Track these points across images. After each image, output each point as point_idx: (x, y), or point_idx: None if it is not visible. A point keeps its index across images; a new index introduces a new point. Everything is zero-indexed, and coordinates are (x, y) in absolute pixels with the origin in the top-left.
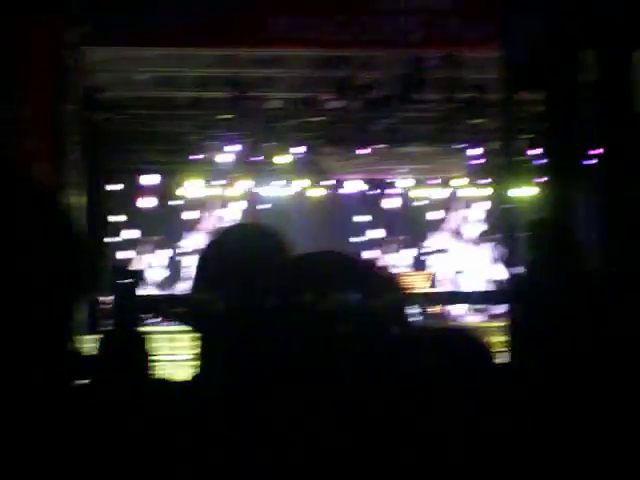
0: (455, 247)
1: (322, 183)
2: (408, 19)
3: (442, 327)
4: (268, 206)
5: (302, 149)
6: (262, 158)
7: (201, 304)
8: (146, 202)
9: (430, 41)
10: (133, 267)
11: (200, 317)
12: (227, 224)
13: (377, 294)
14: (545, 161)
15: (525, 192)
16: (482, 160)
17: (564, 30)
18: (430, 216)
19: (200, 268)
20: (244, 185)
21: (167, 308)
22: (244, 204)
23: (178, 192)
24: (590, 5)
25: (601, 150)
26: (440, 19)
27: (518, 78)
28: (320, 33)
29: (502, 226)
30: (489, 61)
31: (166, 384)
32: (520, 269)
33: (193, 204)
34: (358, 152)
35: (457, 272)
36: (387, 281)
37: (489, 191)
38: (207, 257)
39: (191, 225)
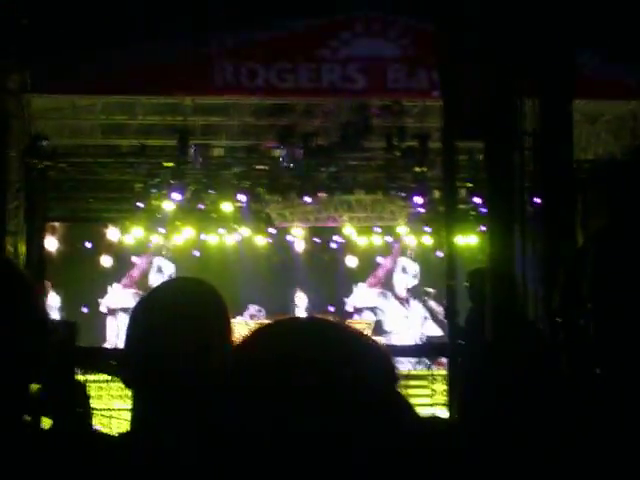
0: (385, 303)
1: (267, 231)
2: (351, 67)
3: None
4: (210, 255)
5: (245, 197)
6: (205, 206)
7: (132, 360)
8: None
9: (373, 89)
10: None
11: (130, 373)
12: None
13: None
14: (485, 210)
15: (468, 240)
16: (424, 208)
17: (504, 80)
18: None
19: (132, 323)
20: (187, 233)
21: (103, 361)
22: (187, 253)
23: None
24: (530, 55)
25: (539, 199)
26: (383, 68)
27: (458, 127)
28: (264, 81)
29: (444, 275)
30: (431, 110)
31: (102, 436)
32: (459, 320)
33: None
34: (301, 200)
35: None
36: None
37: (431, 240)
38: (139, 312)
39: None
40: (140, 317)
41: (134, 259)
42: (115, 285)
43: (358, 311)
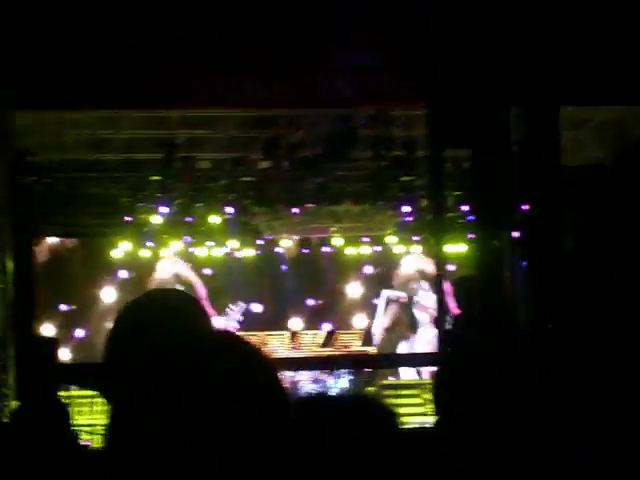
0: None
1: (255, 243)
2: (336, 77)
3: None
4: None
5: (232, 209)
6: (193, 219)
7: (111, 374)
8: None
9: (359, 99)
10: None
11: (110, 387)
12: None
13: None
14: (473, 218)
15: (457, 249)
16: (413, 217)
17: (490, 87)
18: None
19: (112, 336)
20: (176, 246)
21: (84, 376)
22: (175, 265)
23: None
24: (517, 62)
25: (527, 206)
26: (368, 77)
27: (445, 135)
28: (249, 93)
29: (433, 284)
30: (417, 118)
31: (80, 452)
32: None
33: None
34: (289, 211)
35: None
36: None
37: (420, 248)
38: (119, 324)
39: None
40: (120, 327)
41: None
42: None
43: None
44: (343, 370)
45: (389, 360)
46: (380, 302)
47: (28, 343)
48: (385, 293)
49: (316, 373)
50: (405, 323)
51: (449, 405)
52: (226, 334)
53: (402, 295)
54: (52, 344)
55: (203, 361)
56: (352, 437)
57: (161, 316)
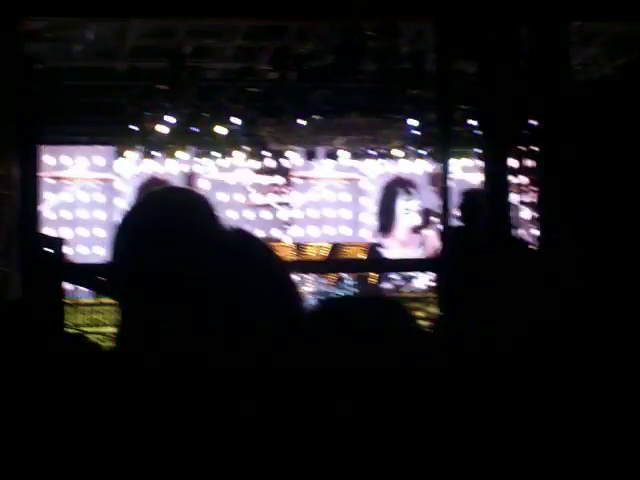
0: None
1: (260, 154)
2: None
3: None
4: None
5: (239, 121)
6: (199, 130)
7: (121, 272)
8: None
9: (368, 11)
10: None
11: (120, 286)
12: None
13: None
14: (480, 132)
15: (463, 162)
16: (420, 131)
17: (499, 0)
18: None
19: (121, 232)
20: (182, 156)
21: (90, 277)
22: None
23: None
24: None
25: (535, 121)
26: None
27: (452, 48)
28: (258, 3)
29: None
30: (426, 31)
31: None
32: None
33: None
34: (296, 123)
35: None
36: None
37: (427, 163)
38: (128, 222)
39: None
40: (129, 225)
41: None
42: None
43: None
44: (348, 283)
45: (393, 265)
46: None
47: (33, 244)
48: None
49: (321, 287)
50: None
51: (452, 307)
52: (241, 232)
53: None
54: (58, 243)
55: (218, 259)
56: (368, 332)
57: (173, 214)
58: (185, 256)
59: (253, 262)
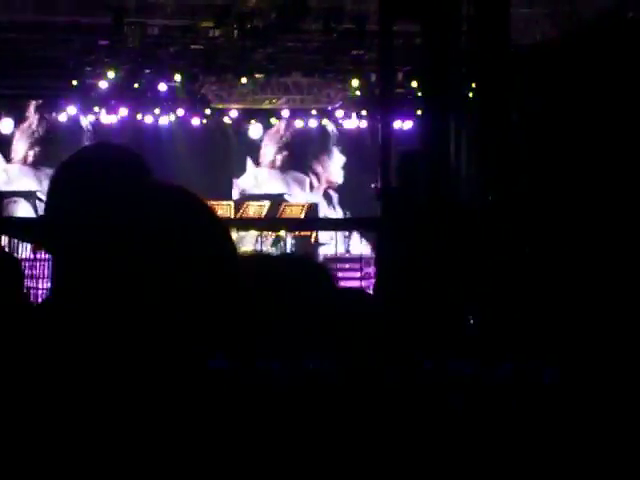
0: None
1: (203, 112)
2: None
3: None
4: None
5: (180, 77)
6: (140, 86)
7: (54, 225)
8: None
9: None
10: None
11: (54, 239)
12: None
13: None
14: (420, 94)
15: (403, 125)
16: (361, 92)
17: None
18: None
19: (54, 186)
20: (123, 112)
21: (25, 231)
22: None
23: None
24: None
25: (475, 83)
26: None
27: (395, 8)
28: None
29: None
30: None
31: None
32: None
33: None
34: (238, 81)
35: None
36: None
37: (366, 124)
38: (61, 175)
39: None
40: (61, 178)
41: None
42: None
43: None
44: (288, 246)
45: (329, 223)
46: None
47: None
48: None
49: (259, 249)
50: None
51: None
52: (174, 187)
53: None
54: None
55: (150, 212)
56: (289, 291)
57: (108, 167)
58: (117, 210)
59: (189, 218)
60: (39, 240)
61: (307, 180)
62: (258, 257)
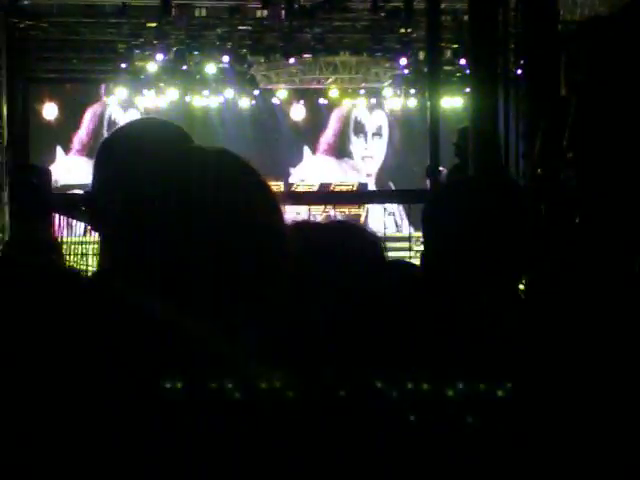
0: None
1: (251, 93)
2: None
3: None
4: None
5: (228, 58)
6: (188, 67)
7: (101, 201)
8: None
9: None
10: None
11: (100, 215)
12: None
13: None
14: (469, 71)
15: (453, 102)
16: (409, 70)
17: None
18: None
19: (99, 163)
20: (172, 95)
21: (74, 207)
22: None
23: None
24: None
25: (524, 59)
26: None
27: None
28: None
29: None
30: None
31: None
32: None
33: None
34: (286, 62)
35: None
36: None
37: (416, 102)
38: (106, 151)
39: None
40: (106, 154)
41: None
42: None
43: None
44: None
45: (384, 196)
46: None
47: (19, 174)
48: None
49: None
50: None
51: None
52: (227, 154)
53: None
54: (44, 173)
55: (200, 184)
56: (338, 258)
57: (152, 136)
58: (163, 183)
59: (240, 188)
60: (88, 217)
61: (362, 166)
62: (308, 223)
